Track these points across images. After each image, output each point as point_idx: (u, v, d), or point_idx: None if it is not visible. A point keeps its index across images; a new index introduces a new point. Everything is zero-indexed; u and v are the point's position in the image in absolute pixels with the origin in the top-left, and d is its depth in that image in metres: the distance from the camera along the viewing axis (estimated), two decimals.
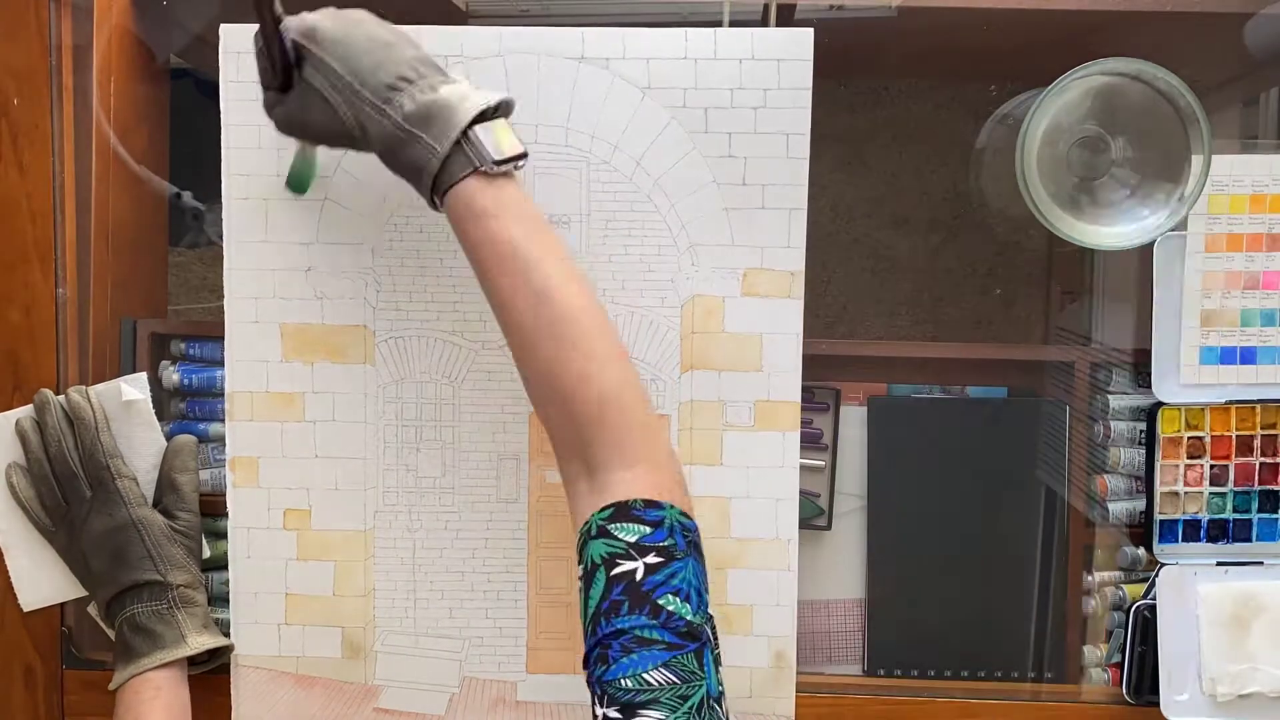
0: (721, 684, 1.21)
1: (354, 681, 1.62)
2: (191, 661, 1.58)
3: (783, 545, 1.58)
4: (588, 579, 1.23)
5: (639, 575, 1.20)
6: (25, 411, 1.60)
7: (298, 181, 1.54)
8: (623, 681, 1.16)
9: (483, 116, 1.33)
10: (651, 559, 1.21)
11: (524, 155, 1.35)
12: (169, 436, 1.66)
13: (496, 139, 1.33)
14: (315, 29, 1.35)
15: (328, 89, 1.35)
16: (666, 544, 1.22)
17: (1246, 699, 1.63)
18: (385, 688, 1.62)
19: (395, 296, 1.58)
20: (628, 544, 1.22)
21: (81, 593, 1.63)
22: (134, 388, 1.61)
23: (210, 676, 1.63)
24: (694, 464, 1.58)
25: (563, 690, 1.61)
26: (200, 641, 1.56)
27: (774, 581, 1.59)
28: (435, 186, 1.33)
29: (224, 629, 1.66)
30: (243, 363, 1.59)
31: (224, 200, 1.58)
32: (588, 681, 1.21)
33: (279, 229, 1.58)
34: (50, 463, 1.57)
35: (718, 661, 1.22)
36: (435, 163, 1.32)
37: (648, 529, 1.23)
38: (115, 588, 1.56)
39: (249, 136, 1.57)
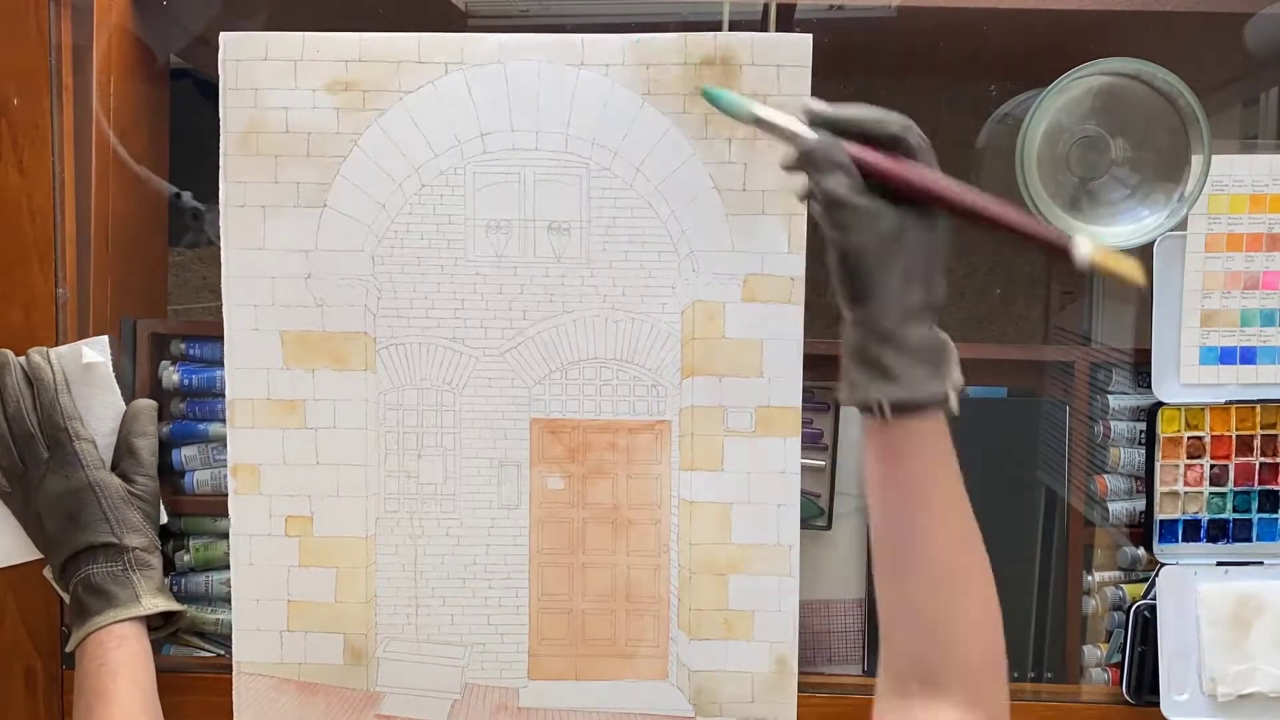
0: None
1: (356, 688, 1.62)
2: (147, 627, 1.59)
3: (784, 551, 1.59)
4: None
5: None
6: None
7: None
8: None
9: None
10: None
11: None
12: (162, 431, 1.68)
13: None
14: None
15: (922, 259, 1.25)
16: None
17: (1246, 699, 1.64)
18: (387, 694, 1.62)
19: (396, 303, 1.58)
20: None
21: (36, 555, 1.63)
22: (95, 351, 1.61)
23: (211, 678, 1.64)
24: (695, 469, 1.59)
25: (564, 696, 1.62)
26: (154, 603, 1.57)
27: (775, 587, 1.59)
28: (896, 405, 1.24)
29: (225, 629, 1.67)
30: (243, 370, 1.59)
31: (222, 207, 1.57)
32: None
33: (278, 236, 1.58)
34: (8, 422, 1.57)
35: None
36: (908, 396, 1.24)
37: None
38: (70, 549, 1.56)
39: (247, 143, 1.57)
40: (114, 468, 1.61)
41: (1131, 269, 1.18)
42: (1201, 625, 1.64)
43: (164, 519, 1.66)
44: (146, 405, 1.64)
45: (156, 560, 1.61)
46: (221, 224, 1.58)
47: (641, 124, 1.55)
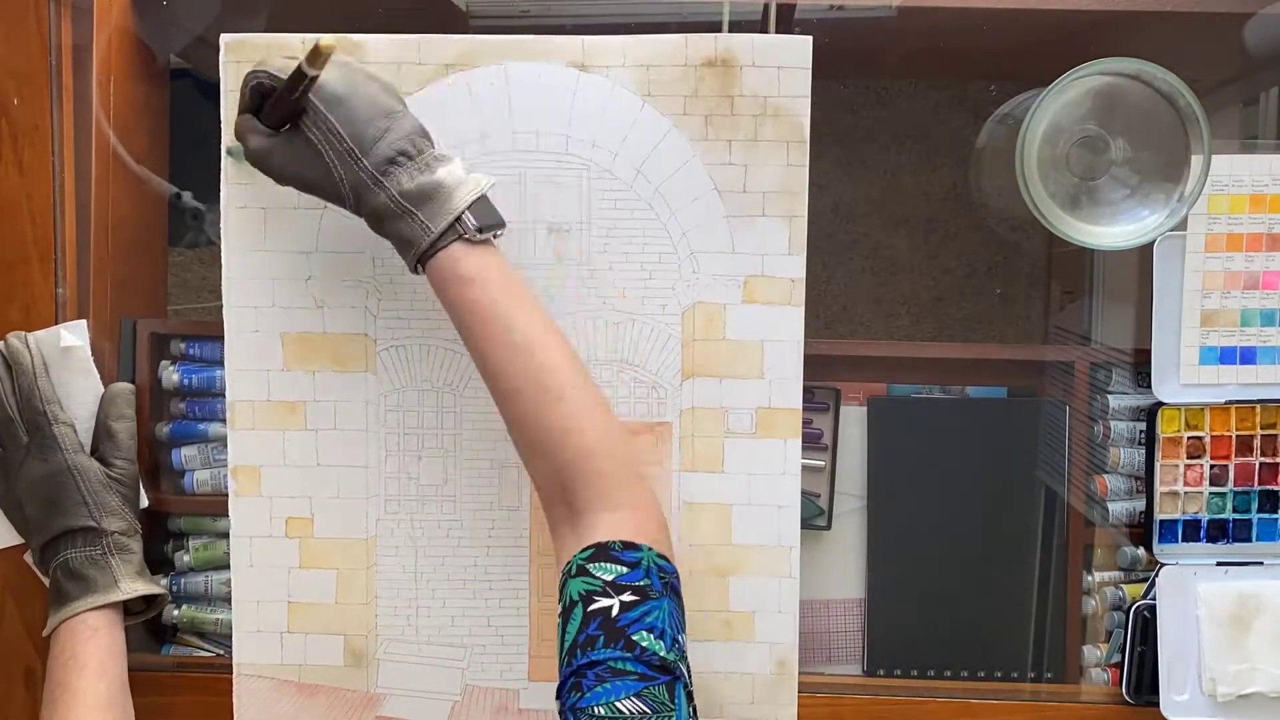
0: (693, 718, 1.24)
1: (356, 689, 1.62)
2: (127, 611, 1.59)
3: (784, 552, 1.59)
4: (565, 615, 1.27)
5: (614, 611, 1.25)
6: None
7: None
8: (596, 709, 1.20)
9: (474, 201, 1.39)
10: (627, 597, 1.26)
11: (503, 225, 1.41)
12: (162, 431, 1.69)
13: (481, 211, 1.40)
14: (322, 84, 1.37)
15: (325, 148, 1.39)
16: (642, 584, 1.27)
17: (1246, 699, 1.64)
18: (387, 695, 1.62)
19: (396, 305, 1.58)
20: (605, 582, 1.26)
21: (17, 540, 1.63)
22: (73, 334, 1.61)
23: (211, 678, 1.65)
24: (695, 471, 1.59)
25: None
26: (134, 587, 1.56)
27: (776, 588, 1.59)
28: (420, 256, 1.39)
29: (225, 629, 1.68)
30: (244, 372, 1.59)
31: (223, 209, 1.58)
32: (560, 711, 1.24)
33: (278, 238, 1.58)
34: None
35: (690, 697, 1.25)
36: (426, 241, 1.38)
37: (625, 569, 1.27)
38: (49, 533, 1.56)
39: None
40: (93, 451, 1.61)
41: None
42: (1201, 625, 1.64)
43: (144, 502, 1.66)
44: (123, 389, 1.64)
45: (136, 544, 1.60)
46: (222, 225, 1.58)
47: (642, 125, 1.55)
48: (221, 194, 1.58)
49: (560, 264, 1.57)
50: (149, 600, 1.61)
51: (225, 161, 1.58)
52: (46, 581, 1.58)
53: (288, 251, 1.58)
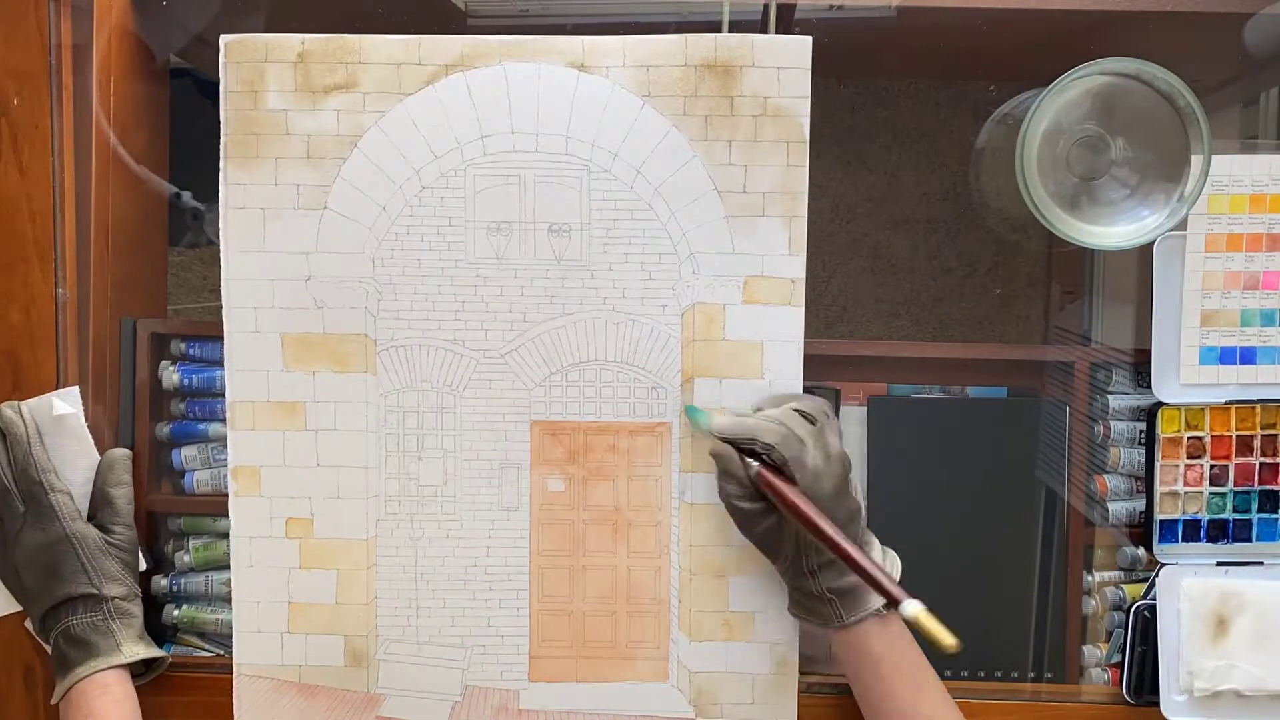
0: None
1: (356, 690, 1.62)
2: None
3: None
4: None
5: None
6: None
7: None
8: None
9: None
10: None
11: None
12: (162, 431, 1.68)
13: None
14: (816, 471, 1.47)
15: (787, 541, 1.51)
16: None
17: (1247, 699, 1.64)
18: (388, 696, 1.62)
19: (396, 305, 1.58)
20: None
21: (15, 608, 1.62)
22: (65, 402, 1.60)
23: (211, 678, 1.65)
24: (695, 471, 1.59)
25: (565, 698, 1.62)
26: (135, 651, 1.57)
27: (776, 589, 1.59)
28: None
29: (225, 629, 1.68)
30: (243, 372, 1.59)
31: (222, 210, 1.57)
32: None
33: (278, 238, 1.57)
34: None
35: None
36: (837, 624, 1.50)
37: None
38: (50, 601, 1.56)
39: (247, 146, 1.56)
40: (91, 518, 1.61)
41: (946, 635, 1.34)
42: (1183, 620, 1.64)
43: (142, 566, 1.66)
44: (121, 454, 1.64)
45: (137, 608, 1.60)
46: (221, 226, 1.58)
47: (642, 126, 1.55)
48: (221, 194, 1.57)
49: (560, 264, 1.57)
50: (149, 664, 1.62)
51: (225, 164, 1.58)
52: (48, 649, 1.58)
53: (288, 251, 1.57)
